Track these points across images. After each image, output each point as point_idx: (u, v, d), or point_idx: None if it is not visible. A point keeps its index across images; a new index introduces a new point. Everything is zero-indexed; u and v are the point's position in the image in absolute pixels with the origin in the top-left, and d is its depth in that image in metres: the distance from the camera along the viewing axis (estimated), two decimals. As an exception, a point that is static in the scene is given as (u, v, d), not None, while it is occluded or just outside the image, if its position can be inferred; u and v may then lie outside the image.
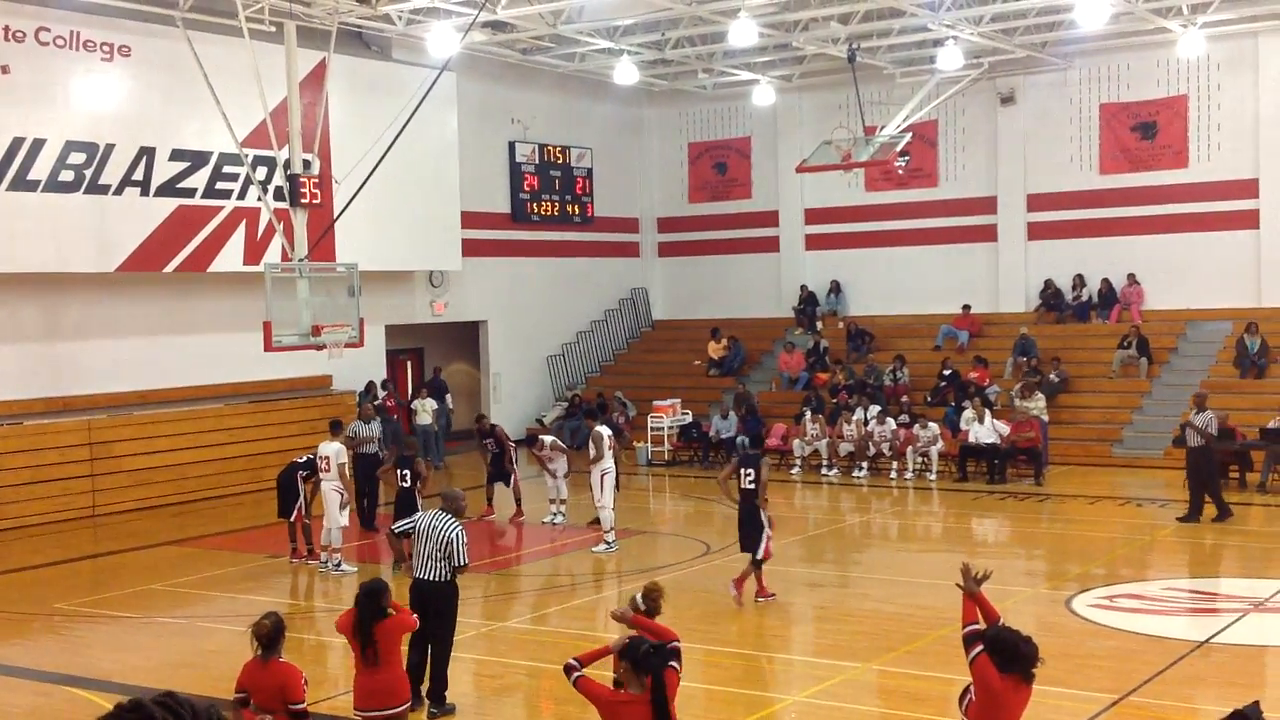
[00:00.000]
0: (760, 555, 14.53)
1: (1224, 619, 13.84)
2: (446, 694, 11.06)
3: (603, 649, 7.20)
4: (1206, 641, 12.81)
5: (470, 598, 15.16)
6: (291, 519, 17.61)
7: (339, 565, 16.89)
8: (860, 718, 11.00)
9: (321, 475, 17.16)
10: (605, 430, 18.59)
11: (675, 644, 6.88)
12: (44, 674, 12.68)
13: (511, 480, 20.66)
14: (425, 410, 26.89)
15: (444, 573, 10.79)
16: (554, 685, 12.27)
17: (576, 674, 6.75)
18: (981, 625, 7.01)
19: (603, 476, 17.97)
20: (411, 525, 11.16)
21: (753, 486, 14.56)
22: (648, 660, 6.53)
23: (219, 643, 13.75)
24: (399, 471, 16.83)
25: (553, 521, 19.98)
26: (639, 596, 8.28)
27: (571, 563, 17.81)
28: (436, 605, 10.75)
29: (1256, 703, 5.08)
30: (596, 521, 18.41)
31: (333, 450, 17.15)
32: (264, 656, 7.90)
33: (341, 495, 16.98)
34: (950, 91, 28.10)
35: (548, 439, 20.42)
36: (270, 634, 7.88)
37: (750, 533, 14.59)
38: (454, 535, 10.75)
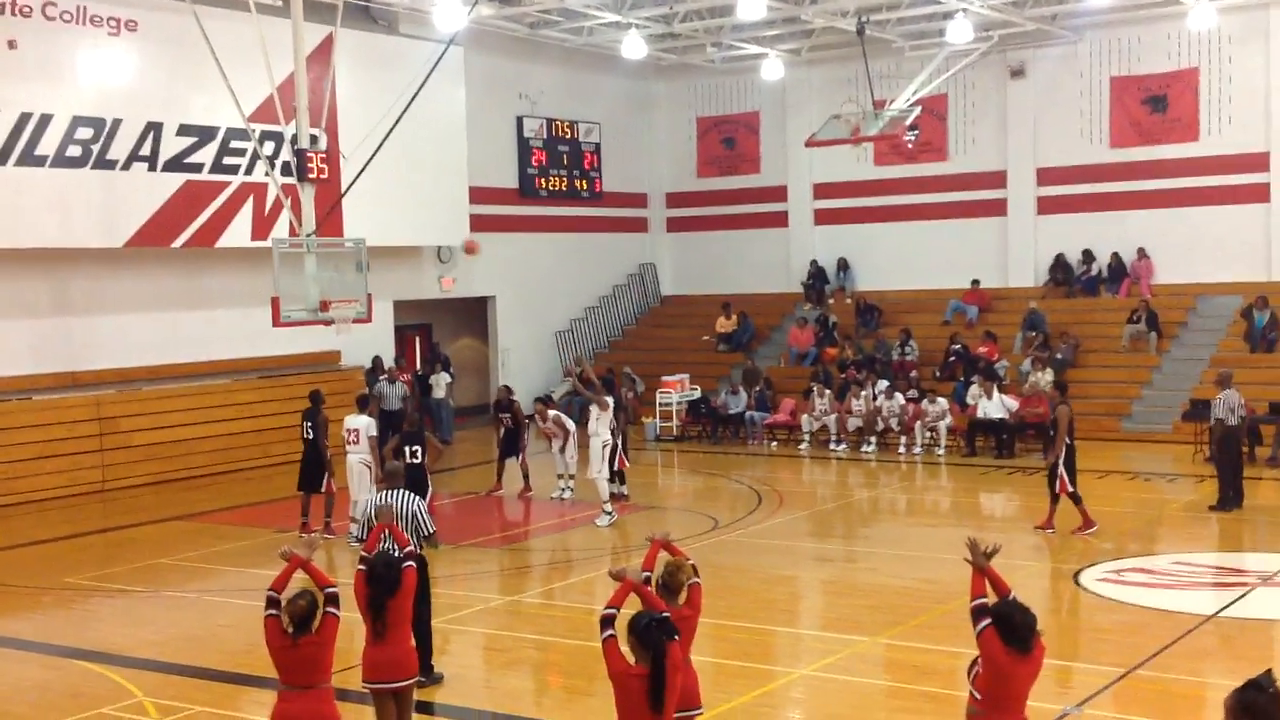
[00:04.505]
0: (1056, 490, 16.49)
1: (1233, 593, 13.84)
2: (433, 663, 11.08)
3: (623, 585, 7.19)
4: (1215, 615, 12.80)
5: (480, 572, 15.23)
6: (323, 490, 17.60)
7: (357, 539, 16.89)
8: (868, 691, 11.01)
9: (349, 448, 17.18)
10: (608, 400, 18.75)
11: (666, 614, 6.85)
12: (54, 647, 12.73)
13: (520, 456, 20.71)
14: (439, 384, 26.94)
15: (415, 547, 10.74)
16: (561, 659, 12.32)
17: (609, 632, 6.71)
18: (989, 599, 7.00)
19: (604, 447, 18.16)
20: (370, 513, 10.91)
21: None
22: (648, 634, 6.52)
23: (228, 617, 13.81)
24: (408, 448, 16.74)
25: (561, 497, 20.02)
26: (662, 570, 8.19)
27: (579, 538, 17.83)
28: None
29: (1269, 671, 5.05)
30: (616, 497, 18.59)
31: (362, 423, 17.16)
32: (295, 636, 7.84)
33: (370, 469, 17.00)
34: (960, 65, 27.95)
35: (552, 413, 20.46)
36: (305, 614, 7.84)
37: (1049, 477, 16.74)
38: (416, 508, 10.72)
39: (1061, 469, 16.42)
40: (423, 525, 10.74)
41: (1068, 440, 16.45)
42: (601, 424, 18.35)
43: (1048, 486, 16.75)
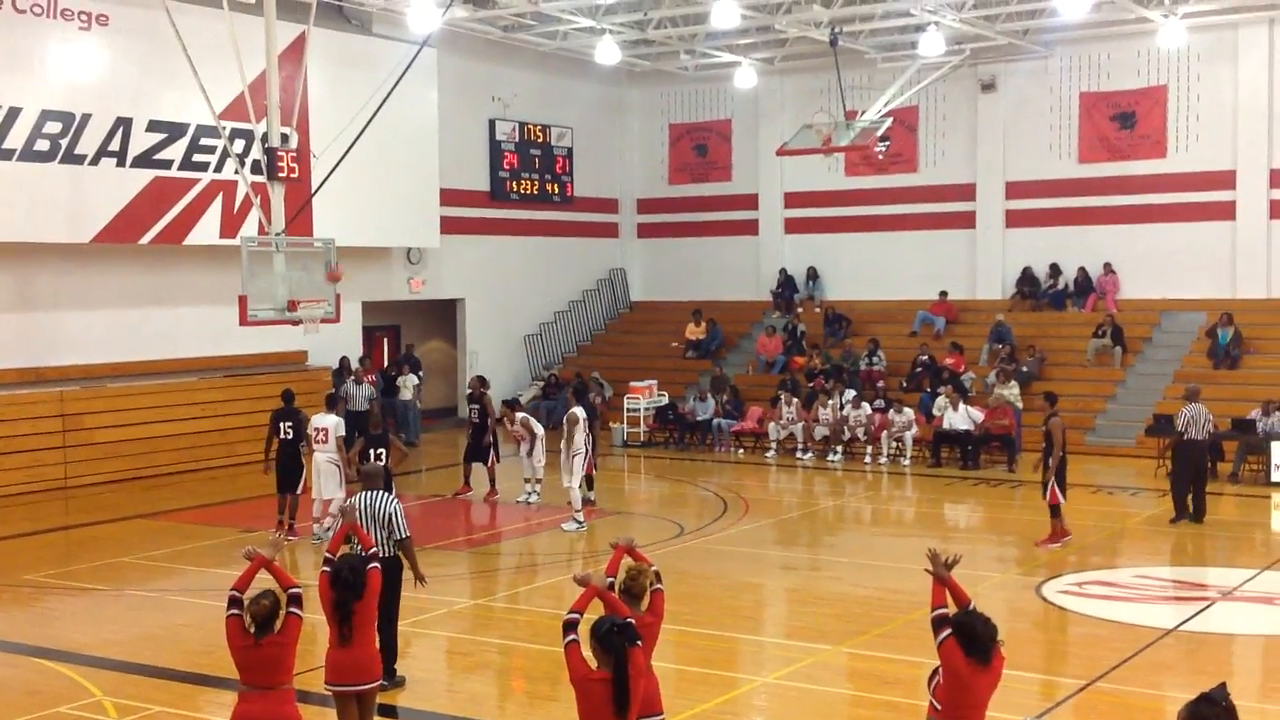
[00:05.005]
0: (1049, 501, 16.67)
1: (1193, 607, 13.95)
2: (396, 666, 11.03)
3: (587, 591, 7.17)
4: (1175, 629, 12.90)
5: (444, 575, 15.17)
6: (298, 491, 17.50)
7: (328, 533, 16.78)
8: (830, 700, 11.04)
9: (316, 447, 17.11)
10: (580, 413, 18.70)
11: (629, 619, 6.85)
12: (12, 645, 12.61)
13: (489, 459, 20.65)
14: (407, 386, 26.87)
15: (388, 549, 10.71)
16: (525, 664, 12.30)
17: (572, 637, 6.71)
18: (950, 609, 7.03)
19: (573, 458, 18.13)
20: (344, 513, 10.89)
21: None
22: (610, 639, 6.52)
23: (190, 617, 13.72)
24: (372, 450, 16.69)
25: (527, 501, 20.00)
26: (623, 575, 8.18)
27: (545, 542, 17.81)
28: (384, 581, 10.68)
29: (1223, 684, 5.10)
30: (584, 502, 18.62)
31: (331, 423, 17.10)
32: (257, 636, 7.80)
33: (338, 468, 16.95)
34: (931, 77, 28.09)
35: (519, 415, 20.43)
36: (268, 614, 7.79)
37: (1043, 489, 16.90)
38: (392, 509, 10.71)
39: (1053, 481, 16.51)
40: (398, 528, 10.70)
41: (1061, 452, 16.54)
42: (577, 435, 18.34)
43: (1044, 499, 16.82)
